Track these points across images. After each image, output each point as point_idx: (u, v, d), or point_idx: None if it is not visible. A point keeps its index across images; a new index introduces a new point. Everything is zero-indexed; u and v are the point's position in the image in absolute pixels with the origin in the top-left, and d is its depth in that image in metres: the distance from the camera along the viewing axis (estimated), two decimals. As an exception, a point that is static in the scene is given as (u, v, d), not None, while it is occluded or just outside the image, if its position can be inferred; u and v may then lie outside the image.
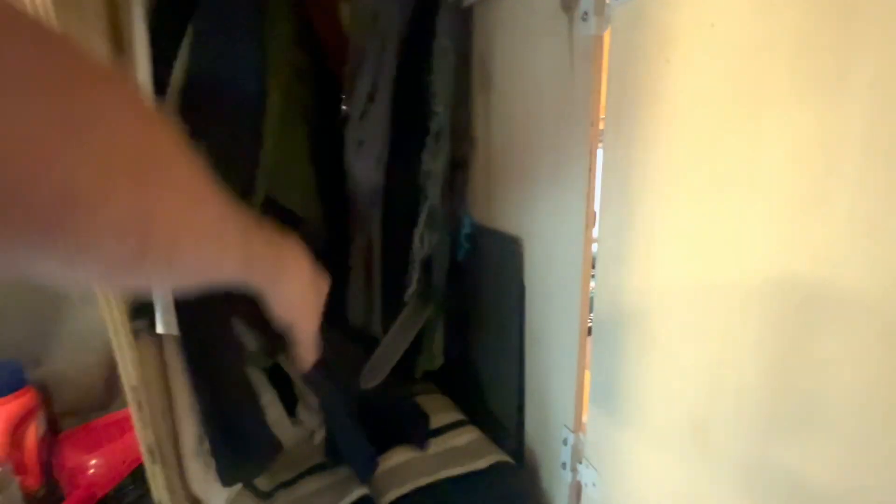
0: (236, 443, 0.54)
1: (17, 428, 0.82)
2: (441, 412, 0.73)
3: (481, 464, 0.61)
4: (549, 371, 0.57)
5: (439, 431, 0.68)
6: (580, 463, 0.52)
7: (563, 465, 0.55)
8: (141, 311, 0.46)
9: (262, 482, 0.61)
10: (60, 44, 0.17)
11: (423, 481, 0.58)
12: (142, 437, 0.46)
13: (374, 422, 0.65)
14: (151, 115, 0.21)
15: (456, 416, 0.72)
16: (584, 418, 0.52)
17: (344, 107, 0.65)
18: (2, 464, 0.78)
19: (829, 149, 0.27)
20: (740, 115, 0.32)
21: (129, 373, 0.44)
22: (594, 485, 0.49)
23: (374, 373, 0.66)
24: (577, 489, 0.55)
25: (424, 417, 0.69)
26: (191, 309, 0.49)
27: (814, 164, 0.28)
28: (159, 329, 0.45)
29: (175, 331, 0.46)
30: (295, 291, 0.37)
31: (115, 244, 0.18)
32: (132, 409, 0.45)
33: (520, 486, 0.60)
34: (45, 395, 0.90)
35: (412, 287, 0.66)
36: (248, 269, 0.30)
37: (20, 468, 0.84)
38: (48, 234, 0.16)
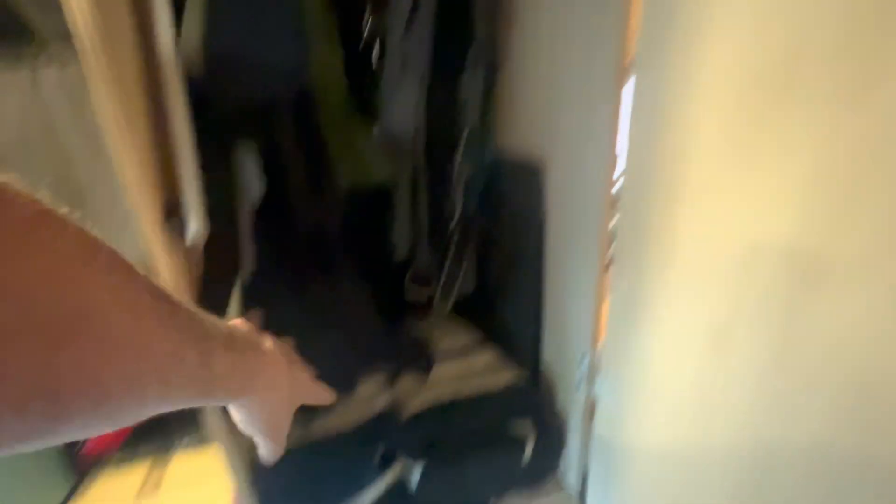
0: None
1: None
2: (458, 334, 0.76)
3: (498, 382, 0.65)
4: (568, 296, 0.59)
5: (457, 353, 0.72)
6: (595, 378, 0.55)
7: (579, 382, 0.58)
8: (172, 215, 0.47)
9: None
10: None
11: (442, 398, 0.62)
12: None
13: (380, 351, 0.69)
14: (83, 258, 0.17)
15: (473, 338, 0.76)
16: (601, 338, 0.55)
17: (368, 30, 0.63)
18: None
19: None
20: (781, 42, 0.30)
21: (164, 279, 0.46)
22: (609, 397, 0.52)
23: (446, 299, 0.69)
24: (590, 405, 0.58)
25: (426, 351, 0.72)
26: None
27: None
28: (188, 241, 0.46)
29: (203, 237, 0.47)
30: (264, 407, 0.33)
31: (18, 419, 0.16)
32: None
33: (535, 403, 0.64)
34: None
35: (458, 211, 0.67)
36: (209, 392, 0.27)
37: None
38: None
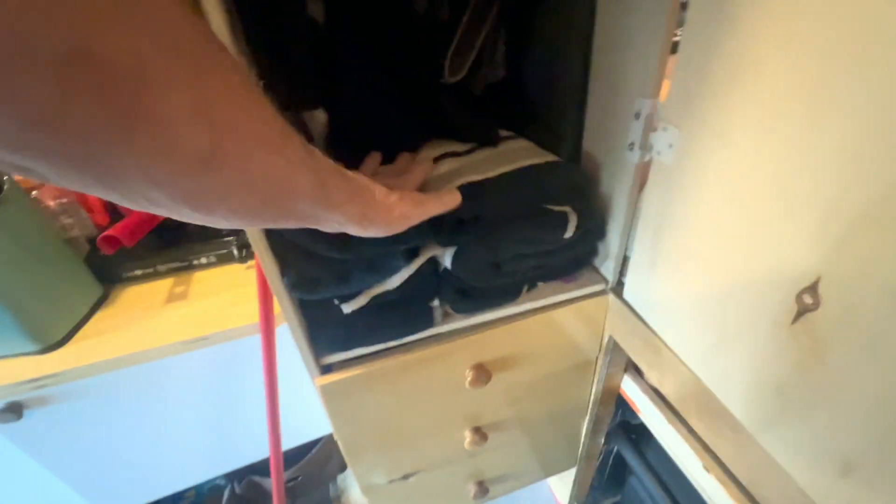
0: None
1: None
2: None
3: (535, 160, 0.58)
4: (626, 30, 0.48)
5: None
6: (654, 131, 0.47)
7: (631, 145, 0.50)
8: None
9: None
10: None
11: (475, 177, 0.55)
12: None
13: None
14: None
15: (503, 132, 0.67)
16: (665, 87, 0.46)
17: None
18: (63, 198, 0.82)
19: None
20: None
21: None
22: (671, 146, 0.45)
23: (461, 60, 0.60)
24: (642, 169, 0.51)
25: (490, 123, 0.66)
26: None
27: None
28: None
29: None
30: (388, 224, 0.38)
31: (187, 139, 0.18)
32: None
33: (576, 179, 0.57)
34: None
35: None
36: (325, 195, 0.28)
37: (86, 207, 0.89)
38: (122, 124, 0.16)
